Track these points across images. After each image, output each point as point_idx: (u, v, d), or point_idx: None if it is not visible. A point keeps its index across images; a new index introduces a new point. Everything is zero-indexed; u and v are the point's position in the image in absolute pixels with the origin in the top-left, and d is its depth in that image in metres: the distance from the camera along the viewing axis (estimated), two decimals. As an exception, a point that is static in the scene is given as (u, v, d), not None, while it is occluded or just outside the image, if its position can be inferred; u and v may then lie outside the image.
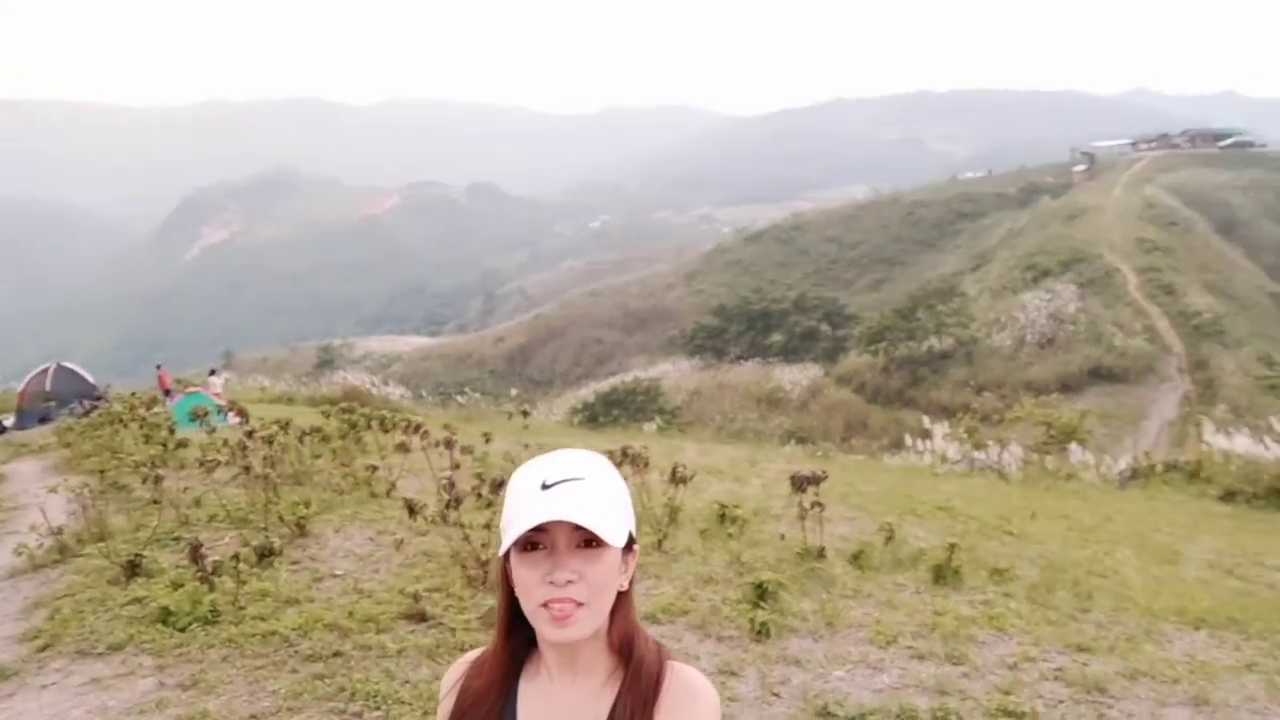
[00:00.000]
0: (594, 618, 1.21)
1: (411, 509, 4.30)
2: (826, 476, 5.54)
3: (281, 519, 5.53)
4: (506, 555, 1.24)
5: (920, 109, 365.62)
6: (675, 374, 43.84)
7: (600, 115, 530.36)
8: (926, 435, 18.78)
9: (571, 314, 69.21)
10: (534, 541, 1.20)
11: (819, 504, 5.30)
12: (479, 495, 4.49)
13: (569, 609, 1.18)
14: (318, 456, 8.27)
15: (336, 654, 3.62)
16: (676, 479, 5.39)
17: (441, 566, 4.75)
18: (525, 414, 9.98)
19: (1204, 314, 38.81)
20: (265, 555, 4.90)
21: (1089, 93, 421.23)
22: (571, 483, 1.21)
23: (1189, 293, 41.73)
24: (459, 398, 27.53)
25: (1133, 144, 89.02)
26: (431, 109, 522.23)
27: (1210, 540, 8.58)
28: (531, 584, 1.19)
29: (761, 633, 4.07)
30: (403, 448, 6.51)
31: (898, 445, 22.64)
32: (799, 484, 5.32)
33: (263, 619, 3.95)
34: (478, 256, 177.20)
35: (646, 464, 5.82)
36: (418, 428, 6.75)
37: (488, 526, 4.64)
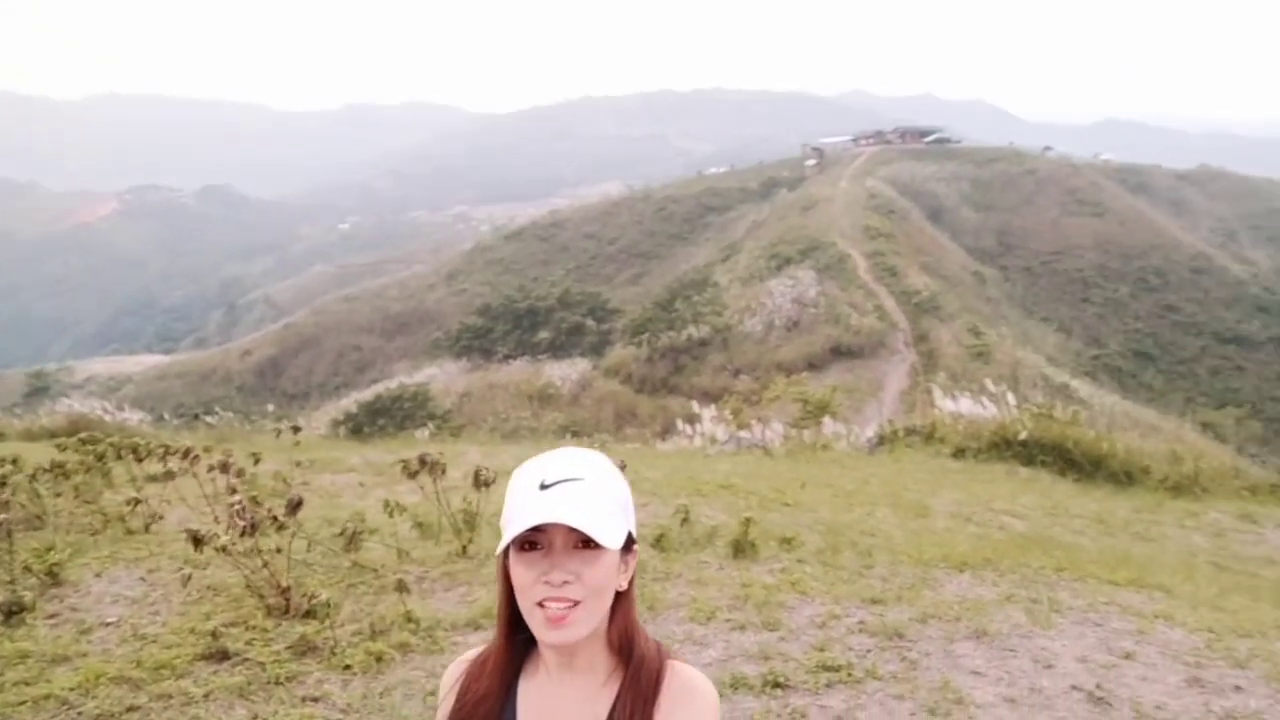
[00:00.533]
0: (590, 618, 1.21)
1: (197, 540, 3.95)
2: (625, 465, 5.69)
3: (29, 569, 4.89)
4: (506, 554, 1.23)
5: (663, 107, 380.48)
6: (443, 377, 42.92)
7: (343, 113, 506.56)
8: (694, 419, 19.67)
9: (326, 321, 65.77)
10: (532, 541, 1.20)
11: None
12: (274, 519, 4.21)
13: (565, 609, 1.18)
14: (58, 495, 7.37)
15: (131, 709, 3.27)
16: (480, 482, 5.31)
17: (234, 599, 4.40)
18: (296, 430, 9.40)
19: (922, 292, 43.31)
20: (14, 612, 4.32)
21: (813, 93, 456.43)
22: (570, 483, 1.20)
23: (909, 274, 46.45)
24: (208, 418, 25.37)
25: (854, 140, 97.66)
26: (152, 105, 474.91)
27: (950, 493, 9.61)
28: (527, 583, 1.19)
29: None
30: (169, 475, 5.94)
31: (668, 431, 23.57)
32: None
33: (28, 684, 3.49)
34: (214, 265, 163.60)
35: (444, 470, 5.69)
36: (186, 453, 6.17)
37: (279, 550, 4.36)
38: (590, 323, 47.17)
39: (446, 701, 1.35)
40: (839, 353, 38.03)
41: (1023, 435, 12.40)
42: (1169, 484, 11.28)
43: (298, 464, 9.78)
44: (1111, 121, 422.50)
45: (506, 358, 44.14)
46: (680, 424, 19.77)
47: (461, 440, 21.01)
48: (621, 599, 1.27)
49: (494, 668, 1.32)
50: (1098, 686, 3.48)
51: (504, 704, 1.31)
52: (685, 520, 6.05)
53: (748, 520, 5.52)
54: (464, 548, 5.52)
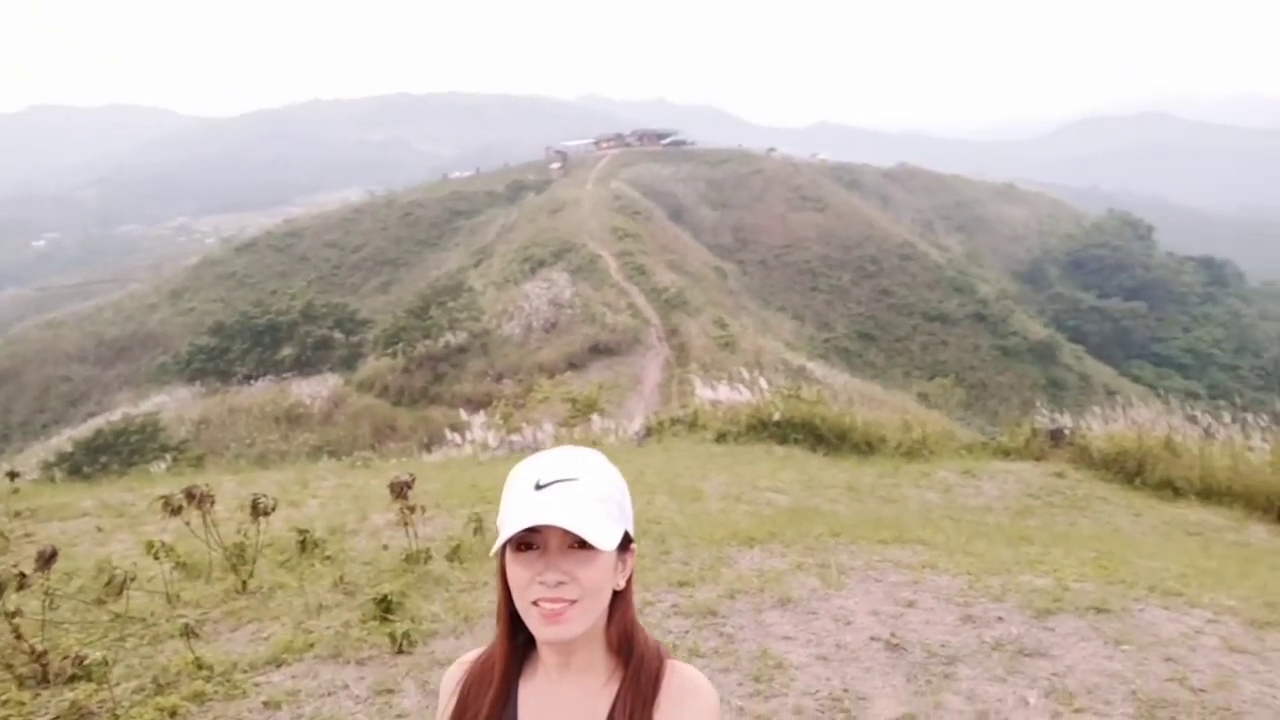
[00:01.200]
0: (586, 616, 1.20)
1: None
2: (414, 479, 5.50)
3: None
4: (505, 554, 1.22)
5: (400, 111, 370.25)
6: (174, 405, 39.16)
7: (26, 116, 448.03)
8: (461, 428, 19.34)
9: (24, 351, 57.81)
10: (528, 541, 1.19)
11: (419, 507, 5.27)
12: (21, 576, 3.66)
13: (560, 607, 1.18)
14: None
15: None
16: (259, 511, 4.93)
17: (-26, 673, 3.79)
18: (13, 476, 8.23)
19: (670, 289, 45.14)
20: None
21: (551, 96, 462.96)
22: (565, 483, 1.19)
23: (657, 272, 48.27)
24: (-118, 472, 21.54)
25: (596, 143, 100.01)
26: None
27: (718, 476, 10.11)
28: (523, 583, 1.19)
29: (403, 645, 3.95)
30: None
31: (433, 442, 22.97)
32: (398, 490, 5.22)
33: None
34: None
35: (213, 502, 5.23)
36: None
37: (17, 614, 3.81)
38: (339, 335, 44.91)
39: (448, 704, 1.35)
40: (598, 351, 38.78)
41: (776, 416, 13.27)
42: (903, 450, 12.51)
43: (16, 514, 8.56)
44: (824, 124, 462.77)
45: (247, 378, 41.02)
46: (448, 433, 19.36)
47: (206, 471, 19.33)
48: (619, 598, 1.27)
49: (494, 668, 1.32)
50: (892, 635, 3.84)
51: (505, 704, 1.31)
52: (479, 529, 5.96)
53: None
54: (243, 583, 5.10)
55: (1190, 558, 6.13)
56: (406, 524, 5.26)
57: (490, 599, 4.54)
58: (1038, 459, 11.90)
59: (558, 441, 16.27)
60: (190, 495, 4.84)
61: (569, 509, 1.17)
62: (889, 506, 8.80)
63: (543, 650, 1.29)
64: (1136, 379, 57.54)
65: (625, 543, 1.25)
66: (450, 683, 1.37)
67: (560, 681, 1.29)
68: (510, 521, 1.18)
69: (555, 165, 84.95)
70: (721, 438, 13.57)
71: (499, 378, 37.01)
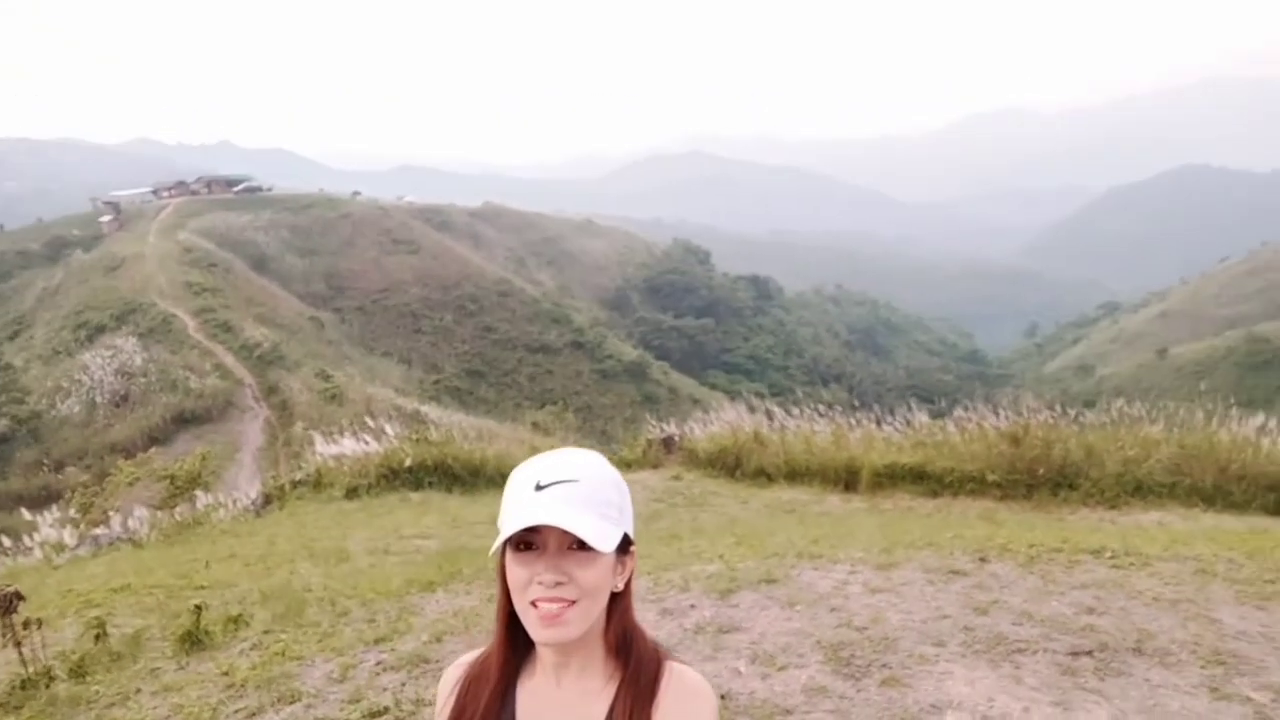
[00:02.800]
0: (585, 618, 1.20)
1: None
2: (21, 594, 4.54)
3: None
4: (504, 554, 1.22)
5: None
6: None
7: None
8: (11, 532, 16.26)
9: None
10: (527, 541, 1.19)
11: (33, 623, 4.33)
12: None
13: (558, 608, 1.17)
14: None
15: None
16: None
17: None
18: None
19: (263, 344, 42.03)
20: None
21: (88, 140, 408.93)
22: (565, 484, 1.19)
23: (245, 327, 44.65)
24: None
25: (154, 192, 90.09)
26: None
27: (359, 532, 9.65)
28: (522, 583, 1.18)
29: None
30: None
31: (-18, 554, 18.93)
32: (4, 604, 4.26)
33: None
34: None
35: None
36: None
37: None
38: None
39: (446, 705, 1.34)
40: (184, 420, 34.86)
41: (408, 462, 12.96)
42: (532, 477, 12.90)
43: None
44: (406, 167, 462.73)
45: None
46: (4, 540, 16.08)
47: None
48: (618, 600, 1.26)
49: (493, 669, 1.31)
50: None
51: (503, 705, 1.31)
52: (100, 635, 5.05)
53: (198, 607, 4.87)
54: None
55: (799, 529, 7.07)
56: (19, 644, 4.32)
57: (153, 708, 3.89)
58: (655, 466, 12.94)
59: (156, 527, 14.32)
60: None
61: (568, 510, 1.17)
62: (536, 535, 9.00)
63: (541, 651, 1.29)
64: (714, 386, 65.15)
65: (625, 545, 1.25)
66: (448, 683, 1.37)
67: (558, 683, 1.29)
68: (511, 521, 1.18)
69: (106, 218, 74.79)
70: (353, 493, 12.93)
71: (59, 466, 31.69)
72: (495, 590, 1.29)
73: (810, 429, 12.40)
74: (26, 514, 16.44)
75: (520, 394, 55.30)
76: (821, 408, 12.81)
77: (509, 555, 1.21)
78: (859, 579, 4.66)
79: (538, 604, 1.18)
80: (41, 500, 24.98)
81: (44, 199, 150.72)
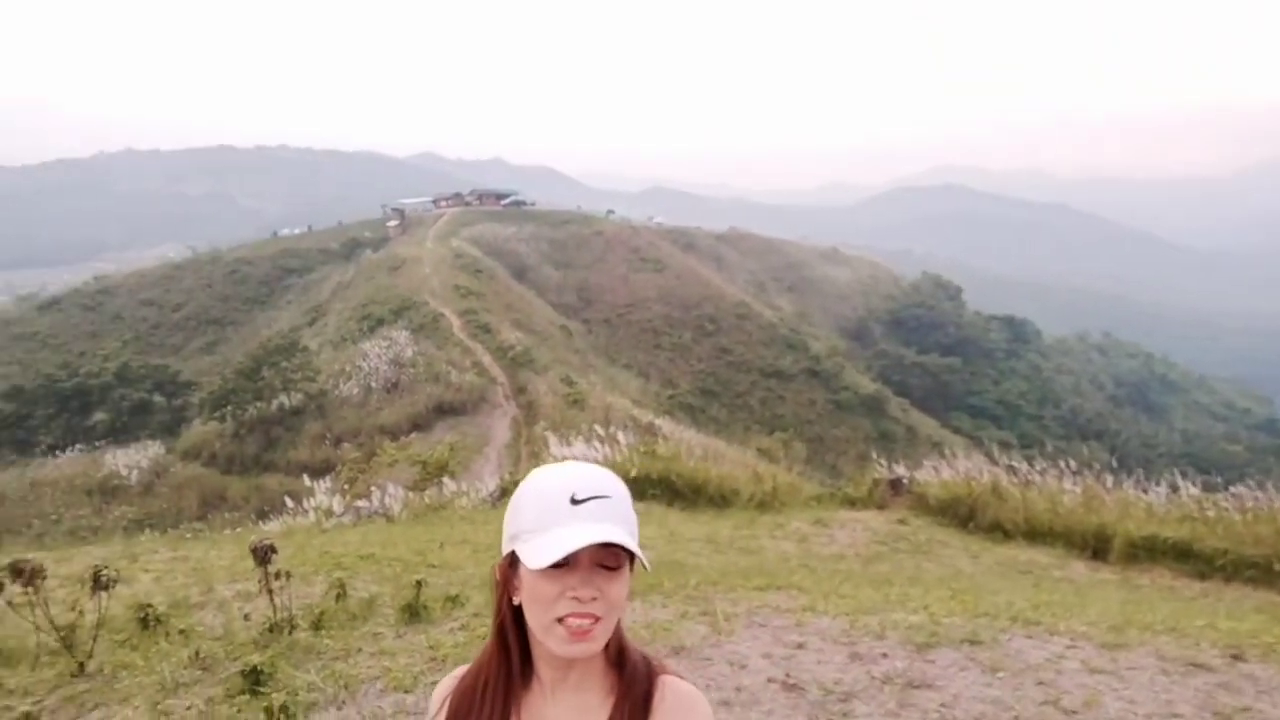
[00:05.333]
0: (606, 633, 1.21)
1: None
2: (274, 545, 5.23)
3: None
4: (510, 565, 1.23)
5: (222, 164, 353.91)
6: (-41, 480, 35.19)
7: None
8: (298, 495, 18.42)
9: None
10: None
11: (283, 574, 5.00)
12: None
13: (588, 623, 1.18)
14: None
15: None
16: (100, 584, 4.55)
17: None
18: None
19: (516, 347, 44.91)
20: None
21: (385, 154, 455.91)
22: (602, 500, 1.19)
23: (502, 330, 47.96)
24: None
25: (434, 201, 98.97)
26: None
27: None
28: (550, 598, 1.18)
29: (281, 718, 3.71)
30: None
31: (270, 511, 21.66)
32: (261, 555, 4.95)
33: None
34: None
35: (44, 576, 4.79)
36: None
37: None
38: (159, 399, 41.92)
39: (437, 719, 1.33)
40: (443, 410, 37.89)
41: (634, 473, 13.39)
42: (755, 502, 12.89)
43: None
44: (657, 189, 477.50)
45: (52, 449, 37.45)
46: (288, 501, 18.36)
47: (3, 551, 17.50)
48: None
49: (486, 683, 1.30)
50: (787, 675, 3.95)
51: None
52: (341, 595, 5.71)
53: (419, 583, 5.38)
54: (81, 665, 4.66)
55: (1030, 593, 6.63)
56: (270, 592, 4.99)
57: (367, 666, 4.36)
58: (880, 507, 12.54)
59: (408, 505, 15.74)
60: (18, 571, 4.41)
61: (615, 528, 1.18)
62: (749, 557, 9.02)
63: (540, 666, 1.29)
64: (957, 429, 61.85)
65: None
66: (439, 699, 1.36)
67: (555, 698, 1.29)
68: (555, 537, 1.16)
69: (393, 223, 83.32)
70: (579, 496, 13.54)
71: (338, 441, 35.45)
72: (493, 599, 1.30)
73: (1058, 486, 11.56)
74: (308, 481, 18.72)
75: (750, 417, 55.31)
76: (1073, 464, 11.88)
77: (535, 572, 1.18)
78: (1078, 655, 4.34)
79: (565, 620, 1.18)
80: (321, 470, 28.21)
81: (346, 204, 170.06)
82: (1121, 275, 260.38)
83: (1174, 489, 10.38)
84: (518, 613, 1.27)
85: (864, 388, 62.12)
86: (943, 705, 3.71)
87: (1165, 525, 9.49)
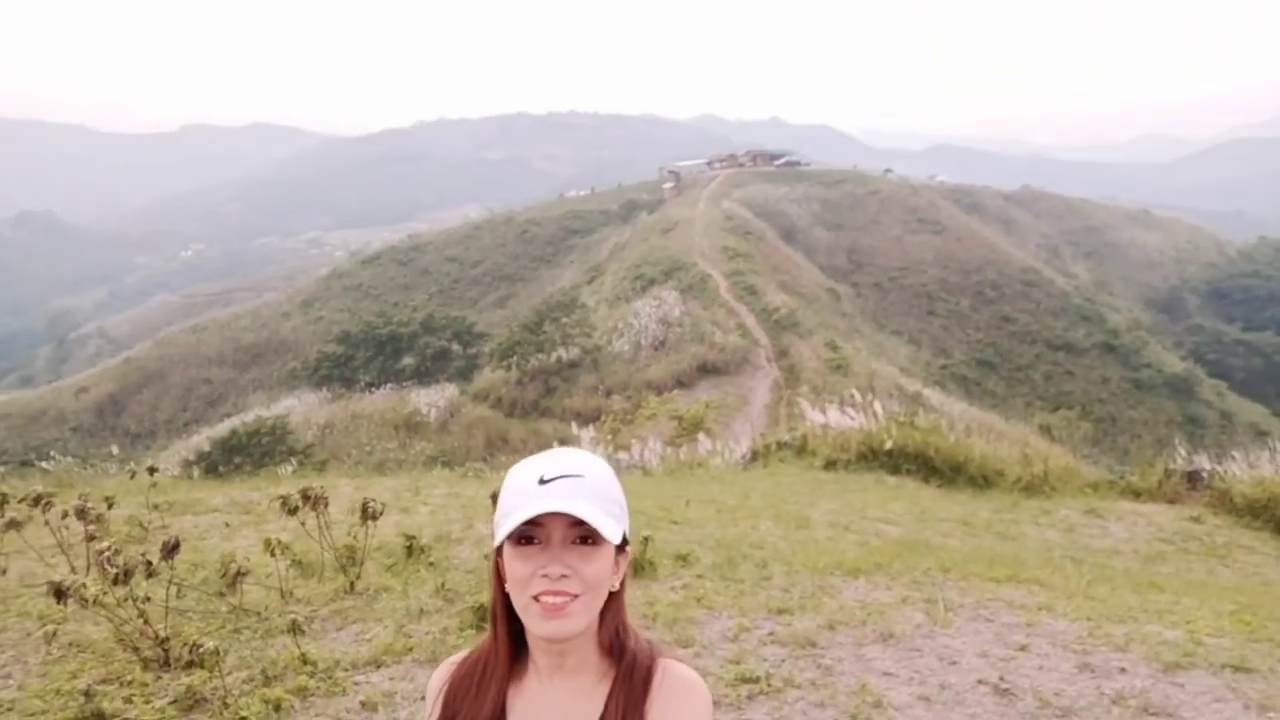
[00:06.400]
0: (587, 612, 1.21)
1: (60, 592, 3.60)
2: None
3: None
4: (499, 552, 1.23)
5: (519, 130, 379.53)
6: (302, 409, 41.10)
7: (180, 134, 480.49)
8: (567, 441, 19.63)
9: (171, 354, 61.78)
10: (529, 535, 1.19)
11: None
12: (148, 564, 3.88)
13: (562, 600, 1.18)
14: None
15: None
16: (368, 515, 5.09)
17: (103, 655, 4.04)
18: (153, 471, 8.76)
19: (781, 310, 44.65)
20: None
21: (665, 117, 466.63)
22: (570, 479, 1.20)
23: (768, 292, 47.86)
24: (42, 464, 23.31)
25: (709, 164, 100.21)
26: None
27: (826, 503, 9.89)
28: (524, 577, 1.19)
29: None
30: (12, 525, 5.40)
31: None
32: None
33: None
34: (38, 297, 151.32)
35: (327, 504, 5.44)
36: (38, 499, 5.65)
37: (148, 599, 4.02)
38: (456, 347, 46.33)
39: (435, 706, 1.34)
40: (705, 370, 38.66)
41: (888, 445, 12.90)
42: (1022, 485, 11.96)
43: (155, 507, 9.11)
44: (944, 146, 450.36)
45: (369, 386, 42.72)
46: (556, 446, 19.68)
47: (328, 474, 20.20)
48: (613, 601, 1.28)
49: (483, 669, 1.32)
50: (1001, 679, 3.65)
51: (494, 706, 1.30)
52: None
53: (646, 539, 5.52)
54: (351, 584, 5.28)
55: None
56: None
57: None
58: (1171, 501, 11.20)
59: (664, 460, 16.27)
60: (306, 496, 5.04)
61: (576, 502, 1.17)
62: (1006, 544, 8.42)
63: (535, 652, 1.29)
64: (1285, 419, 53.55)
65: (621, 545, 1.26)
66: (436, 684, 1.36)
67: (551, 683, 1.29)
68: (515, 514, 1.18)
69: (668, 185, 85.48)
70: (831, 465, 13.28)
71: (608, 393, 37.33)
72: (490, 589, 1.29)
73: None
74: (575, 429, 19.88)
75: (1033, 392, 51.29)
76: None
77: (509, 550, 1.20)
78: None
79: (540, 598, 1.18)
80: (591, 419, 29.84)
81: (627, 167, 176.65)
82: None
83: None
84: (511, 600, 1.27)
85: (1171, 366, 55.34)
86: (1183, 738, 3.28)
87: None
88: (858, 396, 14.98)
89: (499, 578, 1.25)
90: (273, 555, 5.05)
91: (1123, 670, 3.84)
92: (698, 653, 4.01)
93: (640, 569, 5.34)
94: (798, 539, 7.33)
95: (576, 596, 1.19)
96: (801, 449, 14.27)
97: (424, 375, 43.25)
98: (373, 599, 5.07)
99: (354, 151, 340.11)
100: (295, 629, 3.96)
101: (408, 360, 44.60)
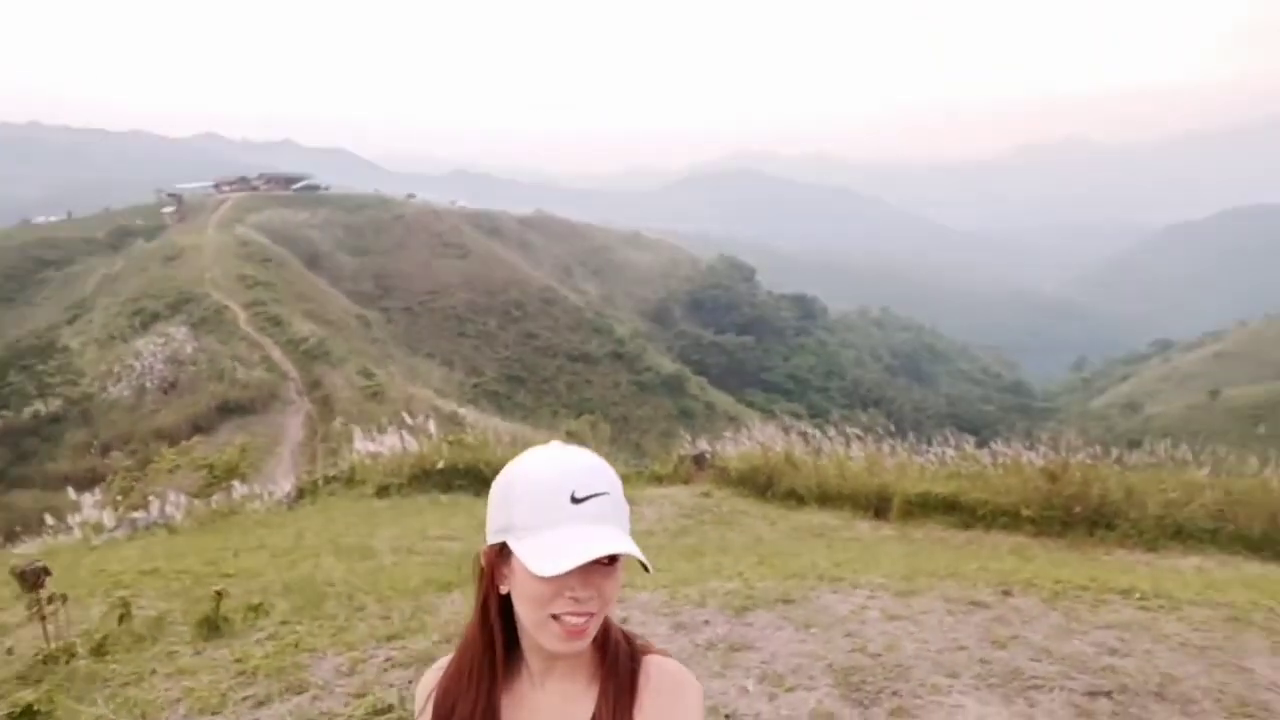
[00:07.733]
0: (597, 627, 1.19)
1: None
2: (47, 567, 4.67)
3: None
4: (496, 553, 1.19)
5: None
6: None
7: None
8: (61, 512, 16.65)
9: None
10: None
11: (57, 599, 4.45)
12: None
13: (583, 621, 1.14)
14: None
15: None
16: None
17: None
18: None
19: (309, 339, 42.64)
20: None
21: (160, 134, 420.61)
22: (602, 498, 1.14)
23: (293, 322, 45.42)
24: None
25: (216, 186, 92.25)
26: None
27: (385, 530, 9.70)
28: (545, 596, 1.13)
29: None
30: None
31: (22, 533, 19.37)
32: (31, 580, 4.38)
33: None
34: None
35: None
36: None
37: None
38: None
39: (425, 710, 1.30)
40: (229, 410, 35.47)
41: (440, 464, 13.04)
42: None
43: None
44: (462, 172, 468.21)
45: None
46: (48, 519, 16.50)
47: None
48: None
49: (472, 674, 1.27)
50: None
51: (484, 711, 1.27)
52: (125, 616, 5.15)
53: (219, 594, 4.94)
54: None
55: (826, 553, 6.97)
56: (44, 619, 4.43)
57: (165, 689, 3.96)
58: (686, 482, 12.87)
59: (192, 513, 14.56)
60: None
61: (618, 531, 1.14)
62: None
63: (529, 656, 1.26)
64: (751, 404, 64.79)
65: None
66: (424, 691, 1.33)
67: (541, 686, 1.27)
68: (561, 541, 1.11)
69: (169, 209, 76.76)
70: (384, 491, 13.04)
71: (106, 450, 32.35)
72: (477, 587, 1.25)
73: (845, 453, 12.26)
74: (72, 494, 16.91)
75: (558, 401, 55.51)
76: (858, 432, 12.64)
77: (527, 566, 1.13)
78: (877, 605, 4.61)
79: (561, 618, 1.14)
80: (87, 482, 25.40)
81: (114, 189, 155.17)
82: (902, 254, 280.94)
83: (944, 451, 11.31)
84: (504, 601, 1.23)
85: (665, 368, 63.84)
86: (763, 663, 3.83)
87: (936, 483, 10.35)
88: (408, 419, 14.89)
89: (490, 577, 1.21)
90: None
91: (706, 622, 4.37)
92: (315, 695, 3.72)
93: (213, 628, 4.77)
94: (366, 569, 7.07)
95: (593, 615, 1.16)
96: (350, 479, 13.80)
97: None
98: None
99: None
100: None
101: None
